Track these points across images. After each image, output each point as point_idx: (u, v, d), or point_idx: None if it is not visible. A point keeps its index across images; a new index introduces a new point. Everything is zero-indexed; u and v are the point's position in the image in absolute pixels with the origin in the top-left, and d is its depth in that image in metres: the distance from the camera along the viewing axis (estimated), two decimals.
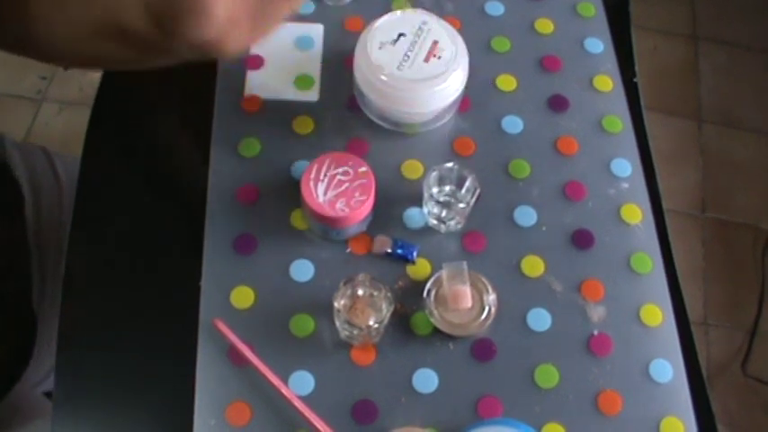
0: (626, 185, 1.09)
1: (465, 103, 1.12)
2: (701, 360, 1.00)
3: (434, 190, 1.01)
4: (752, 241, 2.05)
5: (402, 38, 1.06)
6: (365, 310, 0.92)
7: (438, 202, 1.00)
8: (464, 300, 0.95)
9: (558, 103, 1.15)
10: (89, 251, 1.03)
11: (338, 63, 1.15)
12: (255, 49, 1.16)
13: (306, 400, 0.90)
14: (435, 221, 1.02)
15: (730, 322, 1.93)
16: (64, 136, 2.09)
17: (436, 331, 0.96)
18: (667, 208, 1.08)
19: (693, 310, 1.89)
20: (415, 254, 1.00)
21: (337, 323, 0.94)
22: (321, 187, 0.97)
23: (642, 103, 1.18)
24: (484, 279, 0.98)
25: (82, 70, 2.23)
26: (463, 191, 1.00)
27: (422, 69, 1.04)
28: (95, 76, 1.16)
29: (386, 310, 0.91)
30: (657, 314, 1.00)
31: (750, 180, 2.16)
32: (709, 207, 2.08)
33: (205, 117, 1.10)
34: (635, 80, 1.20)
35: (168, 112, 1.14)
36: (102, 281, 1.02)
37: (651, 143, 1.14)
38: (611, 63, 1.21)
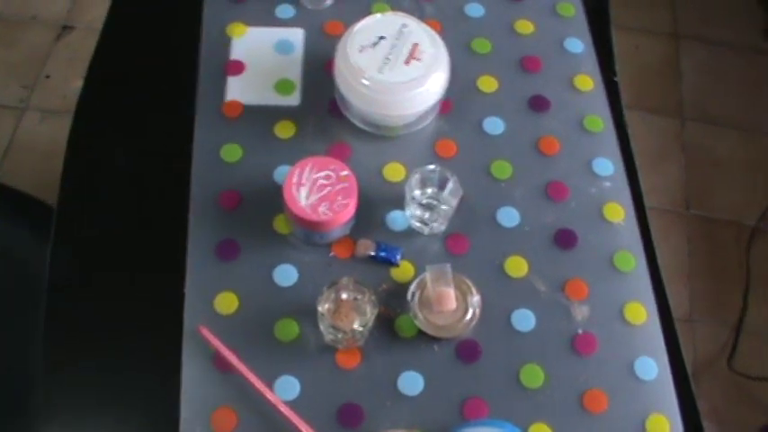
0: (608, 184, 1.09)
1: (446, 104, 1.13)
2: (687, 357, 1.00)
3: (417, 192, 1.01)
4: (736, 237, 2.05)
5: (382, 41, 1.06)
6: (349, 313, 0.92)
7: (421, 205, 1.00)
8: (448, 302, 0.95)
9: (539, 104, 1.15)
10: (72, 261, 1.03)
11: (319, 67, 1.15)
12: (235, 55, 1.16)
13: (291, 404, 0.90)
14: (418, 224, 1.02)
15: (716, 318, 1.94)
16: (47, 145, 2.09)
17: (421, 333, 0.96)
18: (651, 206, 1.09)
19: (679, 307, 1.89)
20: (398, 256, 1.00)
21: (322, 327, 0.93)
22: (303, 191, 0.96)
23: (623, 101, 1.19)
24: (468, 281, 0.98)
25: (65, 78, 2.23)
26: (445, 193, 1.00)
27: (402, 72, 1.04)
28: (78, 85, 1.16)
29: (370, 313, 0.91)
30: (641, 312, 1.01)
31: (733, 176, 2.16)
32: (693, 204, 2.08)
33: (187, 123, 1.10)
34: (615, 79, 1.20)
35: (149, 119, 1.13)
36: (86, 290, 1.01)
37: (632, 142, 1.15)
38: (592, 63, 1.21)
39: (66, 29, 2.33)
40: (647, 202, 1.10)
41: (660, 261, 1.07)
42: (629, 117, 1.17)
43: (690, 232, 2.05)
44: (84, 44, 2.26)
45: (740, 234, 2.08)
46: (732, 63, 2.40)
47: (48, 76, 2.24)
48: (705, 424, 0.97)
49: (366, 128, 1.10)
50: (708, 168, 2.19)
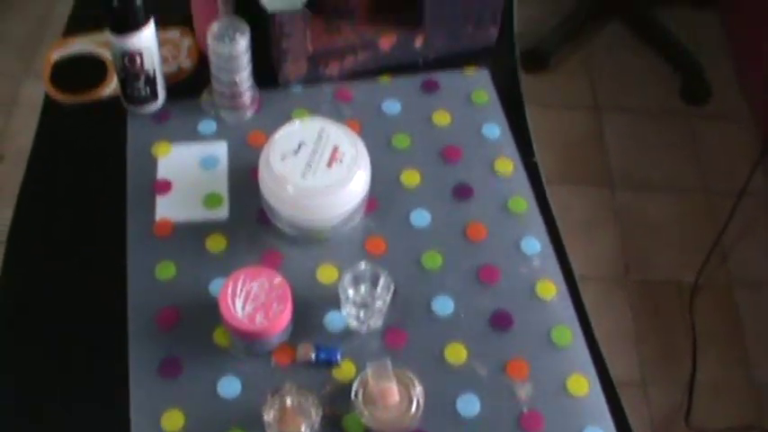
0: (537, 263, 1.12)
1: (372, 203, 1.15)
2: (643, 421, 1.02)
3: (350, 292, 1.02)
4: (677, 296, 2.09)
5: (303, 147, 1.08)
6: (295, 419, 0.93)
7: (355, 303, 1.02)
8: (391, 396, 0.96)
9: (462, 192, 1.18)
10: (13, 394, 1.02)
11: (245, 178, 1.17)
12: (162, 174, 1.17)
13: None
14: (355, 322, 1.04)
15: (668, 379, 1.96)
16: None
17: (369, 430, 0.96)
18: (590, 276, 1.11)
19: (629, 373, 1.91)
20: (338, 356, 1.01)
21: None
22: (239, 303, 0.98)
23: (544, 179, 1.22)
24: (409, 373, 0.99)
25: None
26: (378, 289, 1.02)
27: (325, 175, 1.06)
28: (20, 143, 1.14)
29: (315, 415, 0.92)
30: (583, 383, 1.02)
31: (666, 237, 2.22)
32: (631, 270, 2.13)
33: (120, 245, 1.11)
34: (534, 160, 1.24)
35: (82, 244, 1.14)
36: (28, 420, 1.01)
37: (557, 217, 1.18)
38: (510, 146, 1.25)
39: None
40: (585, 272, 1.12)
41: (602, 330, 1.10)
42: (559, 192, 1.20)
43: (631, 298, 2.08)
44: (15, 172, 2.26)
45: (681, 292, 2.12)
46: (653, 127, 2.48)
47: None
48: None
49: (295, 233, 1.11)
50: (642, 232, 2.24)
